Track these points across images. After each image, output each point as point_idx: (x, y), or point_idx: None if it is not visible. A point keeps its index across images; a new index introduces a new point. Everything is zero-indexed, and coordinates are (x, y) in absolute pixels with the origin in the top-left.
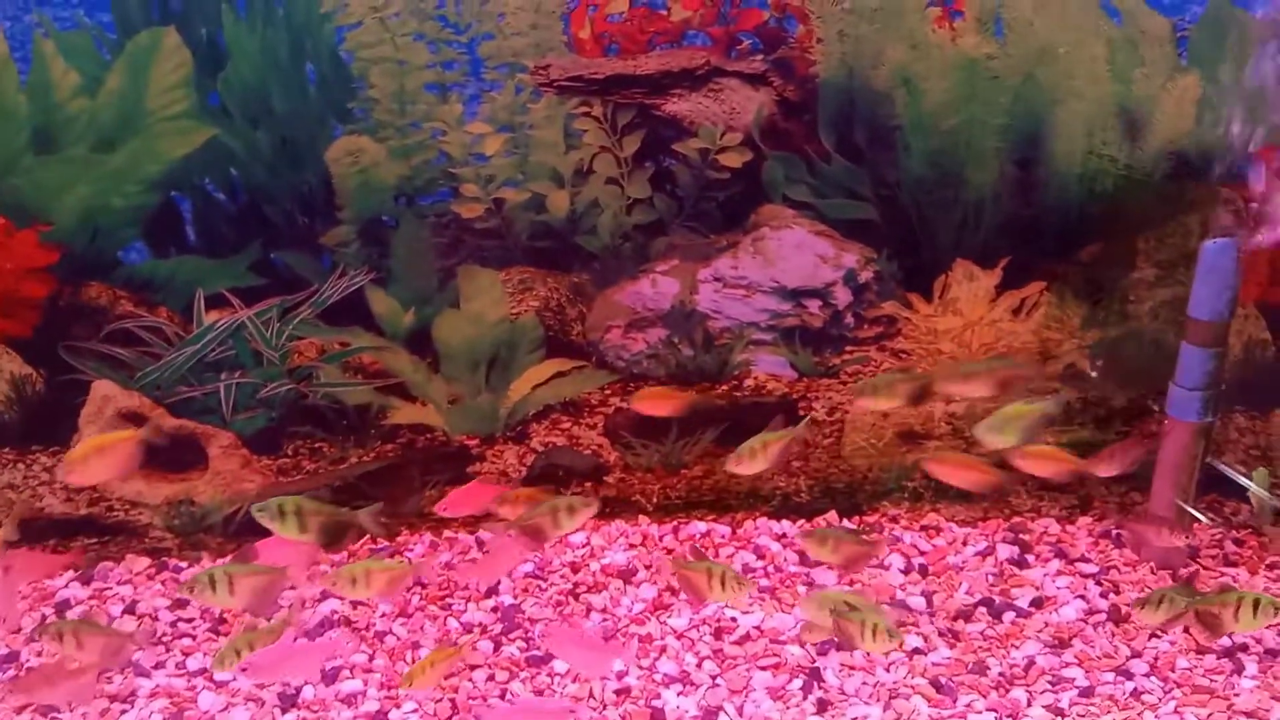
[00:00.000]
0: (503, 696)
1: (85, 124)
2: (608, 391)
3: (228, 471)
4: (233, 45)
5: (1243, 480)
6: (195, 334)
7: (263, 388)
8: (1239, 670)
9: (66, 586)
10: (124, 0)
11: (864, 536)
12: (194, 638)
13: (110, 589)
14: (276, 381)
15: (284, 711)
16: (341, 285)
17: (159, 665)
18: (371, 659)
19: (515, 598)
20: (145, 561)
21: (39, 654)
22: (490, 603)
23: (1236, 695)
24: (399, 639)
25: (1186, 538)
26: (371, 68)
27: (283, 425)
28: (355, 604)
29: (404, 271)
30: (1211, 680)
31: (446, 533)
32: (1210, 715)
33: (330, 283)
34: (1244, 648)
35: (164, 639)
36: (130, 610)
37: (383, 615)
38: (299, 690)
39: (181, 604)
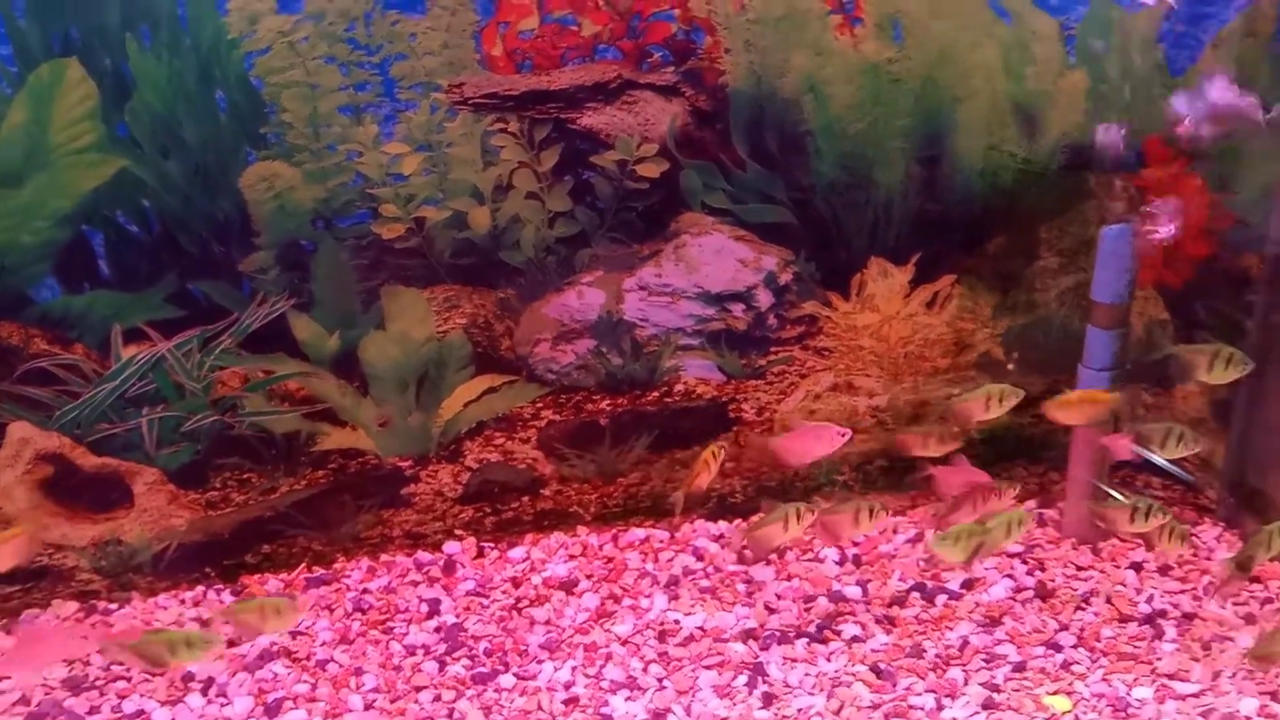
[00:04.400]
0: (450, 716)
1: None
2: (540, 405)
3: (154, 508)
4: (139, 75)
5: (1154, 457)
6: (114, 369)
7: (187, 420)
8: (1160, 635)
9: None
10: (23, 32)
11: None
12: (129, 680)
13: None
14: (201, 413)
15: None
16: (262, 312)
17: (94, 710)
18: (315, 688)
19: (458, 616)
20: (73, 606)
21: None
22: (433, 623)
23: (1159, 659)
24: (341, 666)
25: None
26: (283, 92)
27: (209, 458)
28: (295, 634)
29: (326, 295)
30: (1135, 646)
31: (384, 556)
32: (1136, 680)
33: (251, 310)
34: (1163, 613)
35: (97, 684)
36: None
37: (324, 644)
38: None
39: None
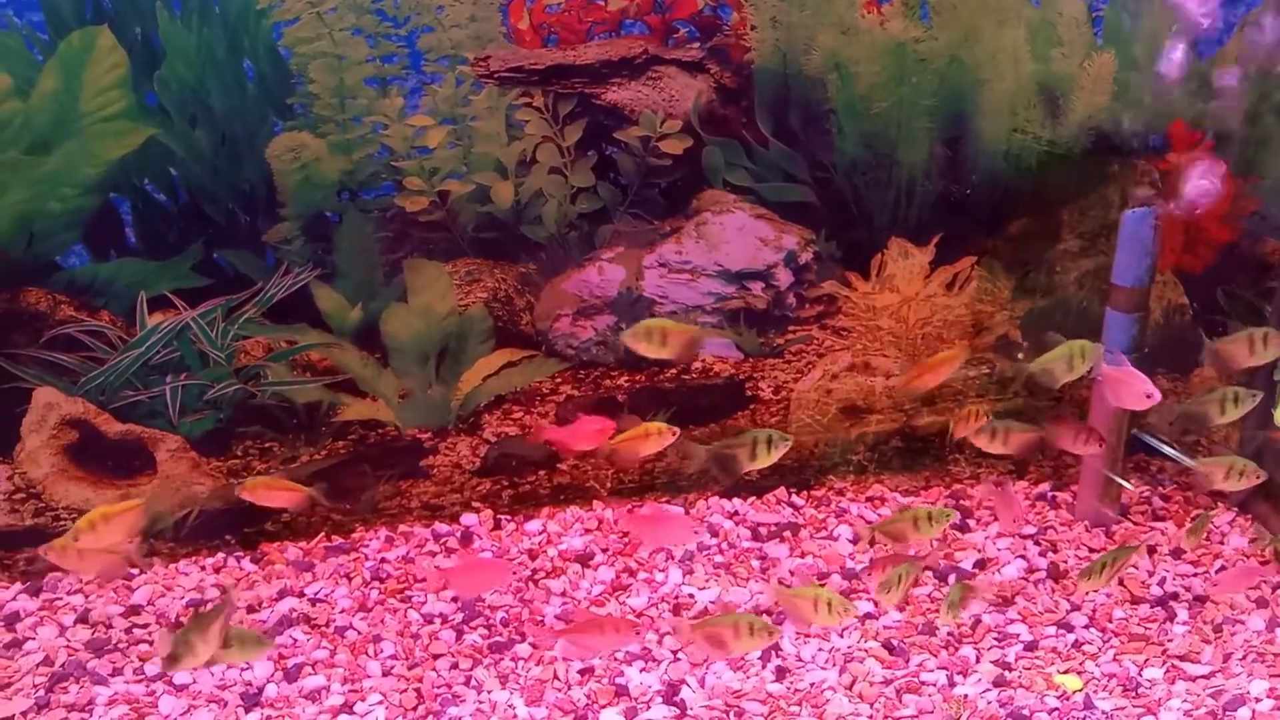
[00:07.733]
0: (467, 684)
1: (18, 127)
2: (558, 380)
3: (177, 475)
4: (168, 44)
5: (1168, 450)
6: (139, 337)
7: (210, 389)
8: (1171, 617)
9: (15, 599)
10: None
11: None
12: (150, 643)
13: (60, 599)
14: (224, 382)
15: (247, 710)
16: (286, 283)
17: (116, 672)
18: (334, 654)
19: None
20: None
21: None
22: (450, 593)
23: (1170, 640)
24: (360, 633)
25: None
26: (310, 63)
27: (231, 426)
28: (315, 601)
29: (349, 267)
30: (1146, 628)
31: (402, 527)
32: (1146, 661)
33: (275, 280)
34: (1175, 596)
35: (120, 646)
36: (84, 619)
37: (343, 611)
38: (261, 689)
39: (135, 610)
